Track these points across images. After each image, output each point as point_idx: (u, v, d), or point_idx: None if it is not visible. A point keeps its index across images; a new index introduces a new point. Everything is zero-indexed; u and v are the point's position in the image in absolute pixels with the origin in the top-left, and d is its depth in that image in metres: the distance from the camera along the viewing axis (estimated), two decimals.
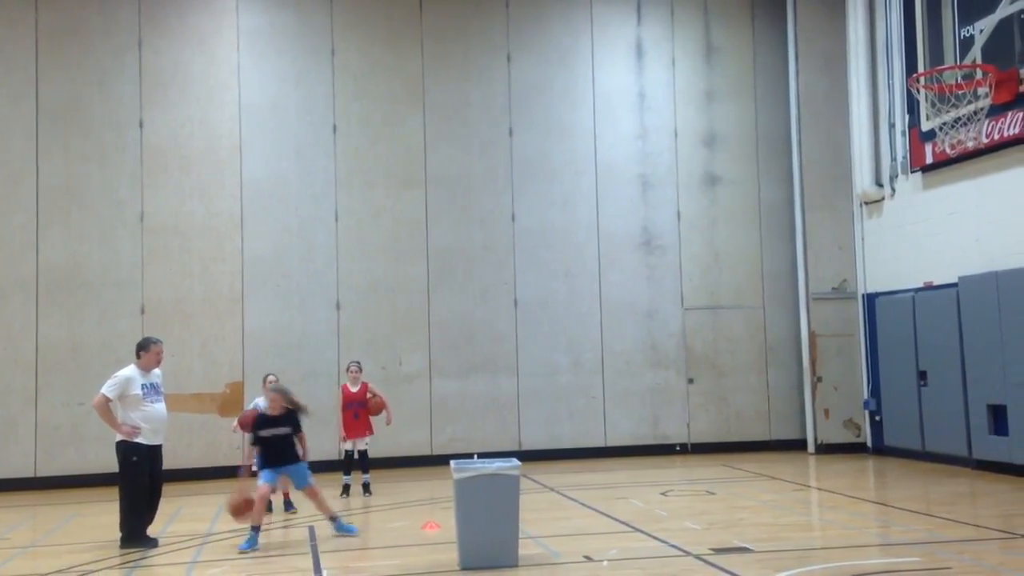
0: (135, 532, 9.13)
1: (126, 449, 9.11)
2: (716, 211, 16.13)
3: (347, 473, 12.09)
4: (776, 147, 16.25)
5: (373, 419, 12.17)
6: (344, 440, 12.11)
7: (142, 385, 9.23)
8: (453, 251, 15.38)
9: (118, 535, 9.21)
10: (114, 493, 9.35)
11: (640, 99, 16.12)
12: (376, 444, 12.60)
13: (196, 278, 14.63)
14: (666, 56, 16.21)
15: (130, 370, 9.31)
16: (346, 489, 12.03)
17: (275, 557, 8.82)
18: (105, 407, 9.11)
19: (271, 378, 11.40)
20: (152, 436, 9.22)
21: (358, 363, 12.47)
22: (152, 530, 9.33)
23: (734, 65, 16.36)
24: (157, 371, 9.51)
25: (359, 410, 12.04)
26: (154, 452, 9.28)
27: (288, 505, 11.05)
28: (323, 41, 15.28)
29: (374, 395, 12.16)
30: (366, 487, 12.11)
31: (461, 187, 15.49)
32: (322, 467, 13.86)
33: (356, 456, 12.06)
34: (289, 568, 8.14)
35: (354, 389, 12.13)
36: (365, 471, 12.14)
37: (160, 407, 9.34)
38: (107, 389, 9.15)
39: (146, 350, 9.45)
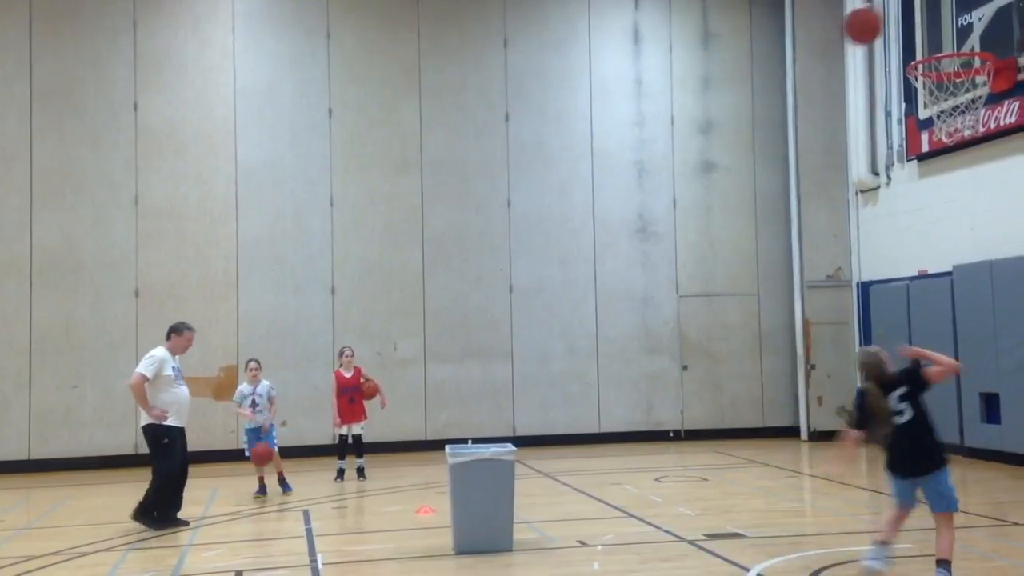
0: (167, 513, 9.15)
1: (156, 431, 9.11)
2: (712, 198, 16.12)
3: (341, 458, 12.09)
4: (772, 135, 16.23)
5: (367, 404, 12.18)
6: (338, 425, 12.12)
7: (172, 367, 9.25)
8: (448, 236, 15.35)
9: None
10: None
11: (637, 85, 16.08)
12: (370, 429, 12.59)
13: (190, 262, 14.58)
14: (663, 42, 16.16)
15: (162, 351, 9.29)
16: (340, 474, 12.03)
17: (270, 541, 8.84)
18: (142, 387, 9.06)
19: (252, 364, 11.37)
20: (180, 418, 9.25)
21: (351, 348, 12.47)
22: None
23: (731, 52, 16.31)
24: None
25: (354, 395, 12.04)
26: (182, 434, 9.31)
27: (285, 486, 11.05)
28: (319, 24, 15.19)
29: (367, 380, 12.17)
30: (360, 472, 12.11)
31: (457, 172, 15.45)
32: (317, 452, 13.97)
33: (350, 441, 12.07)
34: (284, 552, 8.14)
35: (348, 374, 12.12)
36: (359, 456, 12.14)
37: (186, 390, 9.39)
38: (144, 368, 9.10)
39: (180, 334, 9.44)
